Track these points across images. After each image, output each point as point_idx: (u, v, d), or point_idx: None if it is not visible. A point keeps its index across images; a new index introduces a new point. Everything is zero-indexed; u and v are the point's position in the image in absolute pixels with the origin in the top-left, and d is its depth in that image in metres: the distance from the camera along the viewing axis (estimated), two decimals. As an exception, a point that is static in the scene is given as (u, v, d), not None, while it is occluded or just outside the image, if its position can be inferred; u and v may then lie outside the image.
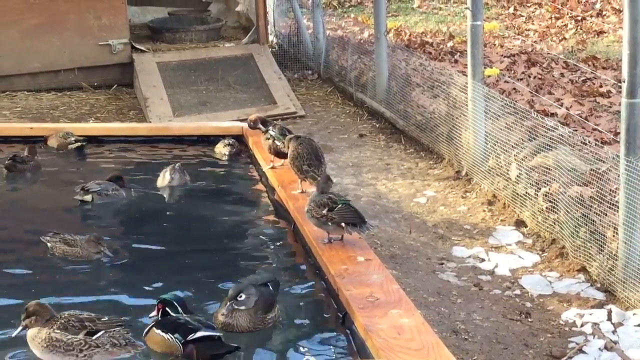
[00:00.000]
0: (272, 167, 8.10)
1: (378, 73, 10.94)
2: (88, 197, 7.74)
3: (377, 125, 10.70)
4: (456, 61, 12.28)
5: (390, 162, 9.44)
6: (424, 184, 8.75)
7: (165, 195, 8.04)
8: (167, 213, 7.76)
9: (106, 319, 5.11)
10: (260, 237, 7.11)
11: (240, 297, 5.45)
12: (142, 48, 12.54)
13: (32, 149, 8.75)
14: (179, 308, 5.27)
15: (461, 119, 8.86)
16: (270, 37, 13.65)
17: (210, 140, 9.44)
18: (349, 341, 5.26)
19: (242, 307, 5.42)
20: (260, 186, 8.28)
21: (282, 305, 5.77)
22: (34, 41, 12.24)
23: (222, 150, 9.01)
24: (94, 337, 4.99)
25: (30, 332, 5.03)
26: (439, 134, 9.34)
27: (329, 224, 6.18)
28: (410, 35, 14.15)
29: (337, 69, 12.45)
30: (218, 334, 5.14)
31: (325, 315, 5.69)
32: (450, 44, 13.49)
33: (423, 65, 10.75)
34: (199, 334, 5.07)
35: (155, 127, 10.27)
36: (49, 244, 6.52)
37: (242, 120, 10.47)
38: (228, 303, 5.44)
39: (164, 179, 8.06)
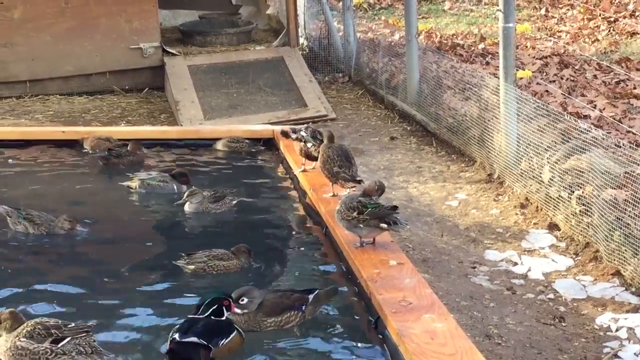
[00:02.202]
0: (304, 170, 8.09)
1: (409, 75, 10.91)
2: (133, 184, 7.98)
3: (409, 128, 10.66)
4: (487, 63, 12.22)
5: (421, 165, 9.41)
6: (455, 187, 8.70)
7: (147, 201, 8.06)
8: (198, 216, 7.76)
9: (73, 325, 5.05)
10: (292, 240, 7.09)
11: (242, 300, 5.48)
12: (173, 51, 12.57)
13: (136, 145, 8.98)
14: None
15: (493, 121, 8.81)
16: (301, 40, 13.64)
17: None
18: (382, 346, 5.23)
19: (245, 311, 5.46)
20: (291, 189, 8.28)
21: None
22: (66, 45, 12.31)
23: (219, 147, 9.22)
24: (59, 345, 4.93)
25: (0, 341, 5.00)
26: (471, 137, 9.29)
27: (361, 226, 6.16)
28: (441, 37, 14.10)
29: (367, 72, 12.43)
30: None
31: (357, 320, 5.66)
32: (481, 46, 13.42)
33: (454, 67, 10.70)
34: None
35: (186, 130, 10.29)
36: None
37: (272, 123, 10.50)
38: None
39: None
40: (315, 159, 7.69)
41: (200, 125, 10.80)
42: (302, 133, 8.02)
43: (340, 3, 13.45)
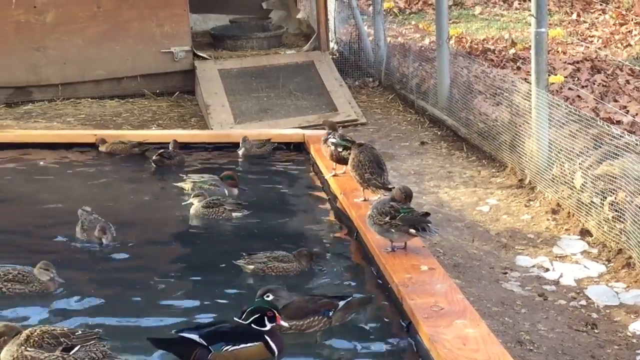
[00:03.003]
0: (334, 175, 8.10)
1: (439, 80, 10.88)
2: (187, 186, 8.10)
3: (439, 133, 10.64)
4: (519, 68, 12.17)
5: (452, 170, 9.38)
6: (486, 192, 8.67)
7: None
8: (230, 220, 7.78)
9: (80, 332, 5.01)
10: (323, 245, 7.09)
11: (267, 296, 5.49)
12: (204, 55, 12.62)
13: (176, 143, 9.18)
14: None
15: (524, 126, 8.77)
16: (331, 44, 13.64)
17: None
18: (413, 351, 5.22)
19: None
20: (322, 194, 8.28)
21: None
22: (97, 49, 12.38)
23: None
24: (71, 353, 4.89)
25: (3, 354, 4.94)
26: (502, 142, 9.25)
27: (392, 231, 6.15)
28: (471, 42, 14.06)
29: (398, 76, 12.41)
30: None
31: (388, 324, 5.65)
32: (512, 51, 13.36)
33: (485, 72, 10.67)
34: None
35: (216, 134, 10.32)
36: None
37: (303, 128, 10.51)
38: (256, 301, 5.48)
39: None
40: (345, 162, 7.68)
41: (231, 129, 10.83)
42: (331, 139, 8.00)
43: (371, 7, 13.44)
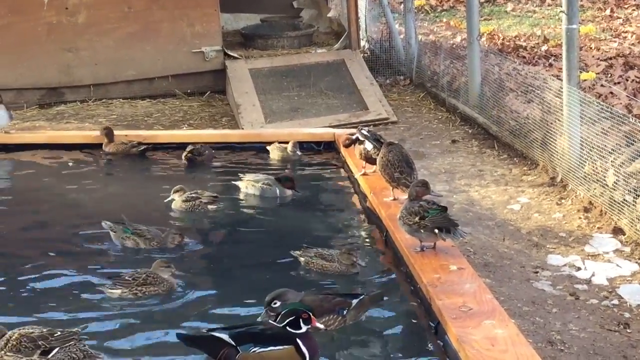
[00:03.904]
0: (364, 174, 8.07)
1: (471, 78, 10.82)
2: (242, 185, 8.19)
3: (470, 131, 10.58)
4: (551, 65, 12.07)
5: (483, 168, 9.32)
6: (517, 190, 8.61)
7: (251, 203, 8.12)
8: (261, 219, 7.80)
9: (59, 333, 4.95)
10: (352, 244, 7.07)
11: (275, 303, 5.46)
12: (235, 55, 12.63)
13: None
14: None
15: (556, 124, 8.70)
16: (362, 43, 13.61)
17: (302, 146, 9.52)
18: (442, 352, 5.19)
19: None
20: (352, 193, 8.27)
21: (375, 314, 5.76)
22: (129, 49, 12.43)
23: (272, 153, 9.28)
24: (49, 356, 4.85)
25: None
26: (533, 140, 9.18)
27: (421, 231, 6.13)
28: (503, 39, 13.96)
29: (429, 74, 12.36)
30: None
31: (417, 325, 5.63)
32: (544, 47, 13.26)
33: (517, 69, 10.59)
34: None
35: (247, 133, 10.33)
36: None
37: (334, 126, 10.50)
38: (264, 310, 5.48)
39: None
40: (375, 162, 7.65)
41: (262, 128, 10.83)
42: (363, 132, 7.97)
43: (402, 5, 13.39)
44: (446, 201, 8.25)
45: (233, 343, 5.04)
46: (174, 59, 12.54)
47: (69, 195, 8.39)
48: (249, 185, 8.18)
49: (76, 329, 5.11)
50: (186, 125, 11.38)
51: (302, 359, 5.03)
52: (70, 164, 9.30)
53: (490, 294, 5.51)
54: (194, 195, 7.79)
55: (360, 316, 5.55)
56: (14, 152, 9.65)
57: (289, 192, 8.11)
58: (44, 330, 4.96)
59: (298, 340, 5.05)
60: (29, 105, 12.18)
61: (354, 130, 8.65)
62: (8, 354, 4.82)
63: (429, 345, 5.33)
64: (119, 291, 6.02)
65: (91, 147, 9.63)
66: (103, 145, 9.52)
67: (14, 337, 4.86)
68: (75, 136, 10.04)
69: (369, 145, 7.85)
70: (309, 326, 5.07)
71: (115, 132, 9.70)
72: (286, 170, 8.84)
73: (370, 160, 7.90)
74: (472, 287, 5.59)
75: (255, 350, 5.03)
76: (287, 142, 9.40)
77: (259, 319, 5.50)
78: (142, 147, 9.47)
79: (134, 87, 12.59)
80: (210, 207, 7.78)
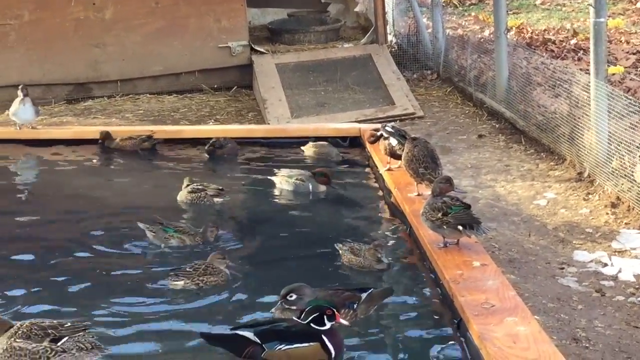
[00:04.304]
0: (389, 169, 8.03)
1: (498, 72, 10.74)
2: (276, 180, 8.20)
3: (497, 126, 10.50)
4: (580, 59, 11.97)
5: (509, 163, 9.25)
6: (544, 185, 8.53)
7: (281, 198, 8.10)
8: (287, 214, 7.80)
9: (69, 324, 5.03)
10: (376, 240, 7.03)
11: (291, 296, 5.45)
12: (261, 50, 12.61)
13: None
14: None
15: (583, 118, 8.61)
16: (389, 37, 13.56)
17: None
18: (464, 349, 5.15)
19: (293, 307, 5.42)
20: (377, 188, 8.23)
21: (397, 310, 5.73)
22: (156, 45, 12.45)
23: (307, 151, 9.16)
24: (59, 344, 4.92)
25: None
26: (561, 135, 9.10)
27: (444, 227, 6.08)
28: (532, 33, 13.85)
29: (456, 69, 12.28)
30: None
31: (439, 322, 5.58)
32: (573, 41, 13.14)
33: (544, 63, 10.50)
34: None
35: (272, 129, 10.31)
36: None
37: (360, 121, 10.46)
38: (279, 301, 5.46)
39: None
40: (400, 157, 7.61)
41: (288, 123, 10.80)
42: (387, 128, 7.94)
43: (430, -1, 13.33)
44: (471, 196, 8.21)
45: (258, 341, 5.02)
46: (200, 54, 12.54)
47: (94, 191, 8.41)
48: (282, 181, 8.18)
49: (86, 321, 5.17)
50: (213, 121, 11.37)
51: (327, 356, 5.02)
52: (95, 160, 9.32)
53: (513, 290, 5.45)
54: (199, 187, 7.81)
55: (370, 310, 5.52)
56: (41, 147, 9.67)
57: (322, 187, 8.07)
58: (55, 321, 5.05)
59: (323, 337, 5.03)
60: (57, 101, 12.23)
61: (378, 126, 8.63)
62: (17, 340, 4.90)
63: (451, 342, 5.28)
64: (181, 282, 6.09)
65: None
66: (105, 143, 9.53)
67: (24, 325, 4.95)
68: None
69: (393, 141, 7.81)
70: (333, 322, 5.05)
71: (142, 128, 9.72)
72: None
73: (395, 155, 7.86)
74: (494, 283, 5.54)
75: (280, 348, 5.01)
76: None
77: (272, 311, 5.50)
78: (153, 142, 9.45)
79: (161, 82, 12.61)
80: (215, 199, 7.79)
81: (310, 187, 8.07)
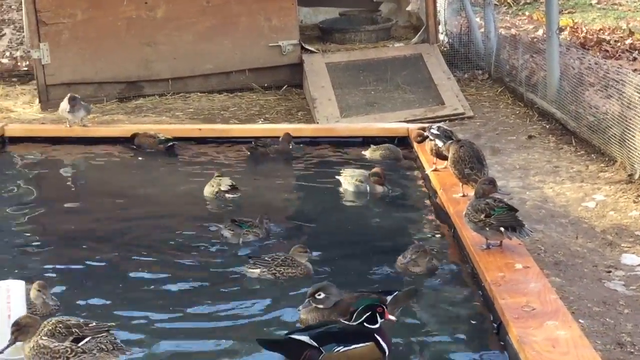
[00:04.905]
0: (435, 170, 7.98)
1: (549, 72, 10.62)
2: (341, 179, 8.18)
3: (547, 127, 10.38)
4: (634, 59, 11.83)
5: (559, 164, 9.13)
6: (593, 187, 8.41)
7: (337, 198, 8.11)
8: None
9: (94, 324, 5.06)
10: (419, 241, 6.99)
11: (319, 295, 5.44)
12: (312, 49, 12.60)
13: (288, 136, 9.30)
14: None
15: (635, 120, 8.48)
16: (441, 37, 13.47)
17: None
18: (502, 352, 5.08)
19: (320, 306, 5.42)
20: (423, 189, 8.19)
21: (437, 312, 5.69)
22: (207, 43, 12.49)
23: (372, 155, 9.04)
24: (80, 344, 4.96)
25: (23, 347, 5.01)
26: (612, 136, 8.97)
27: (487, 229, 6.02)
28: (586, 32, 13.68)
29: (507, 69, 12.17)
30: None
31: (479, 324, 5.53)
32: (628, 41, 12.96)
33: (598, 64, 10.35)
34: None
35: (320, 128, 10.29)
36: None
37: (409, 121, 10.40)
38: (306, 299, 5.46)
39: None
40: (446, 158, 7.56)
41: (337, 122, 10.78)
42: (433, 131, 7.90)
43: (482, -2, 13.22)
44: (519, 198, 8.13)
45: (315, 344, 5.02)
46: (251, 52, 12.56)
47: (143, 189, 8.51)
48: (345, 181, 8.16)
49: (111, 322, 5.19)
50: (262, 119, 11.39)
51: (382, 354, 5.05)
52: (140, 157, 9.38)
53: (555, 294, 5.37)
54: (213, 182, 7.95)
55: (396, 312, 5.48)
56: (91, 145, 9.75)
57: (379, 188, 8.02)
58: (80, 320, 5.09)
59: (376, 336, 5.06)
60: (109, 99, 12.33)
61: (425, 125, 8.58)
62: (43, 337, 4.96)
63: (491, 345, 5.23)
64: (258, 270, 6.19)
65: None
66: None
67: (50, 323, 5.00)
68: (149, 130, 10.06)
69: (439, 142, 7.76)
70: (382, 320, 5.08)
71: (190, 126, 9.77)
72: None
73: (441, 156, 7.81)
74: (536, 286, 5.46)
75: (339, 350, 5.02)
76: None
77: (299, 309, 5.51)
78: (169, 144, 9.45)
79: (212, 80, 12.65)
80: (228, 195, 7.89)
81: (368, 188, 8.03)
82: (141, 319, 5.67)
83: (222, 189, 7.87)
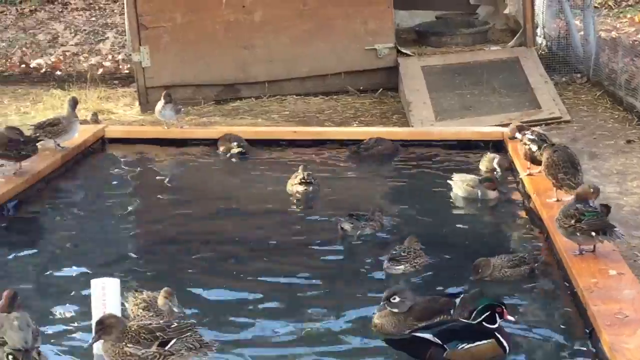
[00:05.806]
0: (529, 174, 7.91)
1: (650, 76, 10.42)
2: (453, 184, 8.13)
3: (647, 131, 10.19)
4: None
5: (658, 170, 8.96)
6: (693, 193, 8.23)
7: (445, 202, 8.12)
8: (442, 213, 7.90)
9: (175, 325, 5.03)
10: (512, 245, 6.95)
11: (394, 299, 5.48)
12: (407, 52, 12.58)
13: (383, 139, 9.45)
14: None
15: None
16: (539, 40, 13.30)
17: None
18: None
19: (395, 310, 5.47)
20: (517, 193, 8.12)
21: (529, 317, 5.67)
22: (303, 46, 12.56)
23: (486, 165, 8.82)
24: (167, 347, 4.94)
25: (104, 345, 5.00)
26: None
27: (578, 234, 5.95)
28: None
29: (607, 72, 11.96)
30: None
31: (572, 331, 5.46)
32: None
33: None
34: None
35: (415, 131, 10.26)
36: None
37: (504, 125, 10.29)
38: (381, 303, 5.50)
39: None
40: (539, 163, 7.49)
41: (431, 126, 10.74)
42: (528, 136, 7.83)
43: (582, 1, 13.01)
44: (615, 203, 7.97)
45: (439, 342, 5.09)
46: (347, 56, 12.59)
47: (243, 190, 8.65)
48: (455, 186, 8.12)
49: (191, 320, 5.24)
50: (357, 122, 11.41)
51: (503, 351, 5.15)
52: (234, 159, 9.48)
53: (649, 301, 5.29)
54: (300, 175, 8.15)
55: (463, 314, 5.47)
56: (186, 147, 9.91)
57: (492, 194, 7.96)
58: (161, 322, 5.09)
59: (497, 334, 5.15)
60: (206, 101, 12.48)
61: (523, 125, 8.53)
62: (129, 345, 4.93)
63: (583, 352, 5.16)
64: (402, 267, 6.31)
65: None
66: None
67: (132, 329, 4.97)
68: (244, 132, 10.16)
69: (533, 146, 7.70)
70: (501, 319, 5.17)
71: (284, 129, 9.88)
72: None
73: (535, 161, 7.74)
74: (630, 293, 5.38)
75: (463, 347, 5.11)
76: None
77: (375, 312, 5.55)
78: (237, 151, 9.51)
79: (307, 83, 12.72)
80: (298, 188, 8.08)
81: (479, 193, 7.98)
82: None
83: (293, 182, 8.10)
